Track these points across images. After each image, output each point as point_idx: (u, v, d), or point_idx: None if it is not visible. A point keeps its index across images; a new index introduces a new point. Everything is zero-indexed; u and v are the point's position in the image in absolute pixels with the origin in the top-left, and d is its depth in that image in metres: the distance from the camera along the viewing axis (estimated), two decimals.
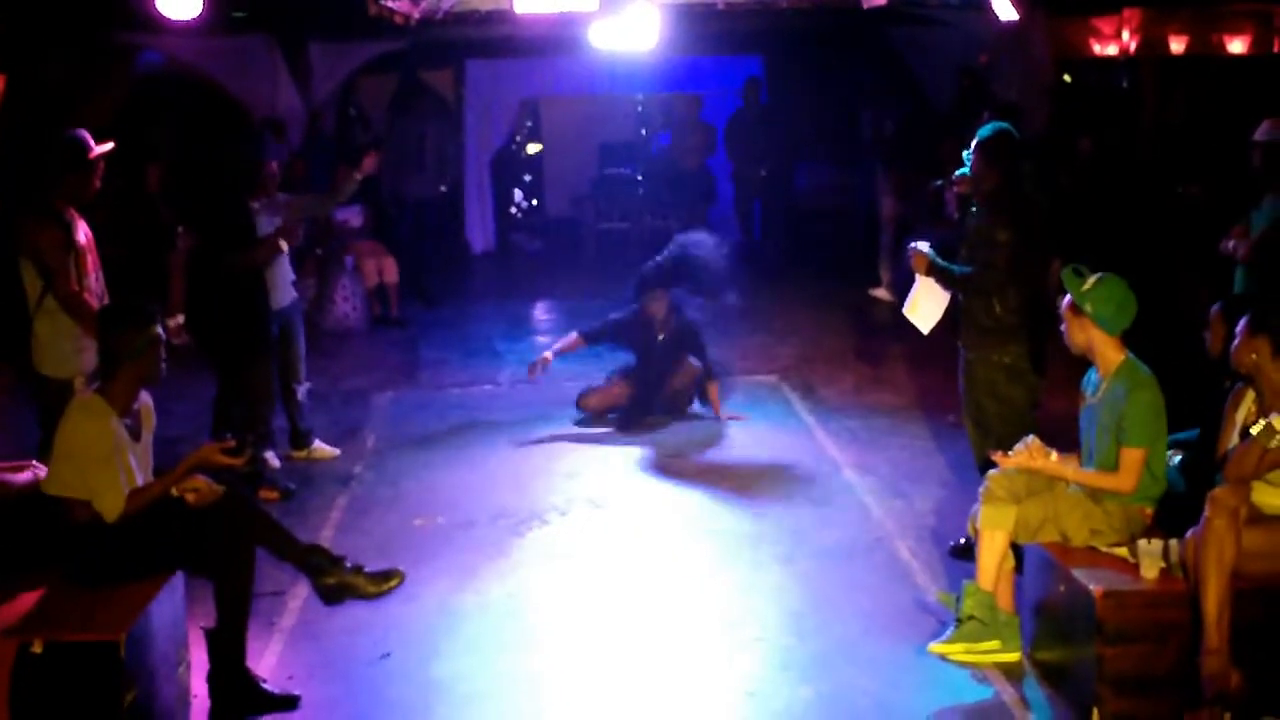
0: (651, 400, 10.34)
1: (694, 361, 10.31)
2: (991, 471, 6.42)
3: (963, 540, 7.37)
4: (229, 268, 8.57)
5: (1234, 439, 5.95)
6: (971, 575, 6.39)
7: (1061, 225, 9.83)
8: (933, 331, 7.78)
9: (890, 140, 15.40)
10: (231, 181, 8.98)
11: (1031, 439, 6.39)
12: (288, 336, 9.38)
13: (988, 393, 7.39)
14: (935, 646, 6.34)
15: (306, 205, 9.90)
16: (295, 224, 9.00)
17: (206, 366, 8.93)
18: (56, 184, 7.29)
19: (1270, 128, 8.35)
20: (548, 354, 10.55)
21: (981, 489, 6.36)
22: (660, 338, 10.37)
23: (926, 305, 7.65)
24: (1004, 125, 7.46)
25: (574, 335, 10.72)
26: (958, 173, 7.77)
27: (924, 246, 7.57)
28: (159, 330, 5.97)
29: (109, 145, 7.45)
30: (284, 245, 8.77)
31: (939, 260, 7.48)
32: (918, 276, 7.62)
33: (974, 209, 7.44)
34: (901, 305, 7.91)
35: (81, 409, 5.84)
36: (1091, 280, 6.23)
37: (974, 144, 7.39)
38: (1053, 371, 8.99)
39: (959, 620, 6.32)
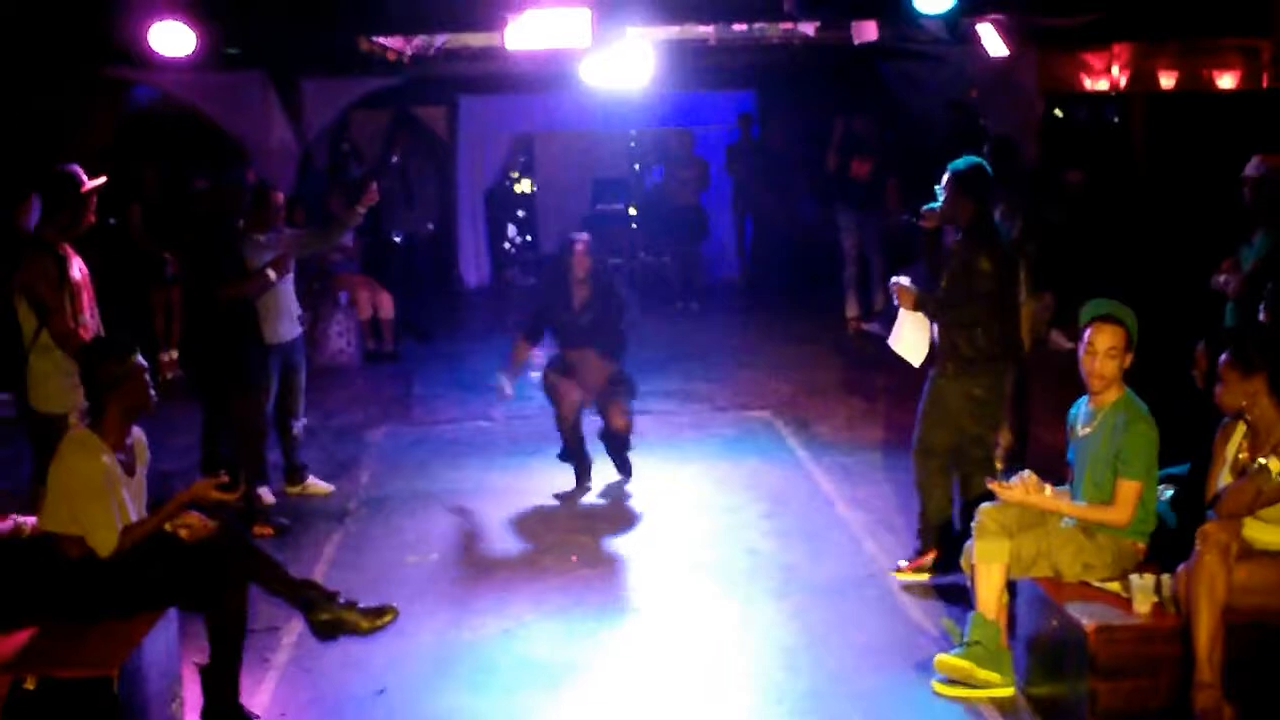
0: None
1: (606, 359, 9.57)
2: (984, 505, 6.44)
3: (903, 562, 7.72)
4: (219, 300, 8.61)
5: (1224, 473, 5.97)
6: (964, 604, 6.41)
7: (1052, 260, 9.87)
8: (924, 364, 7.81)
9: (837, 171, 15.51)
10: (218, 213, 9.02)
11: (1027, 473, 6.40)
12: (289, 371, 9.39)
13: (944, 421, 7.51)
14: (941, 658, 6.34)
15: (310, 240, 9.92)
16: (287, 257, 9.01)
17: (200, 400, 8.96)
18: (49, 219, 7.30)
19: (1260, 163, 8.38)
20: (505, 382, 9.60)
21: (974, 524, 6.38)
22: (581, 304, 9.52)
23: (913, 338, 7.70)
24: (977, 159, 7.55)
25: (519, 341, 9.78)
26: (925, 207, 7.82)
27: (906, 281, 7.63)
28: (139, 360, 5.97)
29: (101, 180, 7.46)
30: (273, 277, 8.79)
31: (923, 293, 7.55)
32: (902, 311, 7.68)
33: (949, 240, 7.52)
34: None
35: (74, 445, 5.85)
36: (1125, 310, 6.26)
37: (947, 177, 7.49)
38: (1040, 405, 9.06)
39: (963, 651, 6.31)
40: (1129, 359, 6.22)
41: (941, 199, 7.56)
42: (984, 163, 7.54)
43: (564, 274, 9.56)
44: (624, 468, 9.84)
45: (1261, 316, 7.54)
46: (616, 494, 9.53)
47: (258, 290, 8.81)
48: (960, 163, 7.52)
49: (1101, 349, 6.20)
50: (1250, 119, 12.88)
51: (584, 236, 9.71)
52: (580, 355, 9.52)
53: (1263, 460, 5.72)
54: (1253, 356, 5.87)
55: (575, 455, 9.67)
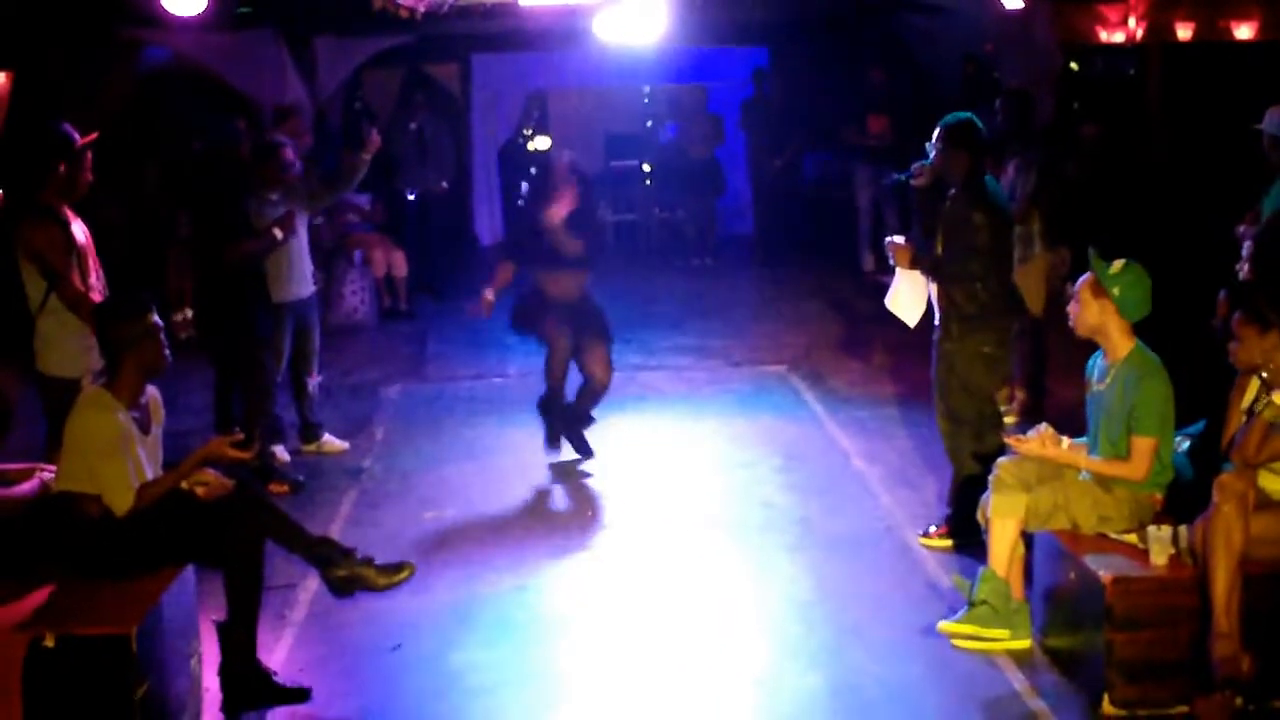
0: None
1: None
2: (1001, 459, 6.45)
3: (932, 528, 7.62)
4: (226, 259, 8.60)
5: (1239, 425, 5.97)
6: (981, 561, 6.41)
7: (1068, 213, 9.83)
8: (919, 323, 7.76)
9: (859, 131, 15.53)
10: (217, 170, 8.99)
11: (1044, 426, 6.40)
12: (303, 329, 9.38)
13: (962, 385, 7.40)
14: (945, 625, 6.36)
15: (319, 192, 9.83)
16: (293, 214, 8.96)
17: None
18: (45, 181, 7.19)
19: (1276, 116, 8.28)
20: (488, 293, 9.19)
21: (991, 477, 6.38)
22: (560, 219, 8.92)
23: (909, 298, 7.64)
24: (968, 114, 7.48)
25: (502, 262, 9.42)
26: (916, 164, 7.77)
27: (901, 239, 7.61)
28: (155, 319, 5.97)
29: (93, 135, 7.34)
30: (279, 235, 8.76)
31: (919, 251, 7.51)
32: (898, 270, 7.63)
33: (946, 197, 7.46)
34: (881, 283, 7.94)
35: (89, 404, 5.85)
36: (1119, 265, 6.22)
37: (939, 132, 7.42)
38: (1057, 359, 9.03)
39: (972, 603, 6.32)
40: (1107, 307, 6.17)
41: (933, 155, 7.52)
42: (975, 117, 7.47)
43: (546, 190, 9.10)
44: (582, 446, 9.27)
45: (1244, 274, 7.35)
46: (633, 449, 9.52)
47: (265, 249, 8.79)
48: (951, 117, 7.45)
49: (1075, 295, 6.32)
50: (1269, 69, 12.79)
51: (567, 153, 9.39)
52: (554, 276, 9.02)
53: (1267, 396, 5.74)
54: (1268, 313, 5.85)
55: (555, 409, 9.22)
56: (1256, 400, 5.87)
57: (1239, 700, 5.53)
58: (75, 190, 7.24)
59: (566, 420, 9.25)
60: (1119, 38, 13.88)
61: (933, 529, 7.65)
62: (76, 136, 7.21)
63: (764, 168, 17.67)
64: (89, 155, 7.26)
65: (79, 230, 7.23)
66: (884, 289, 7.92)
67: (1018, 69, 13.51)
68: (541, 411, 9.30)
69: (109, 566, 5.72)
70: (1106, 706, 5.71)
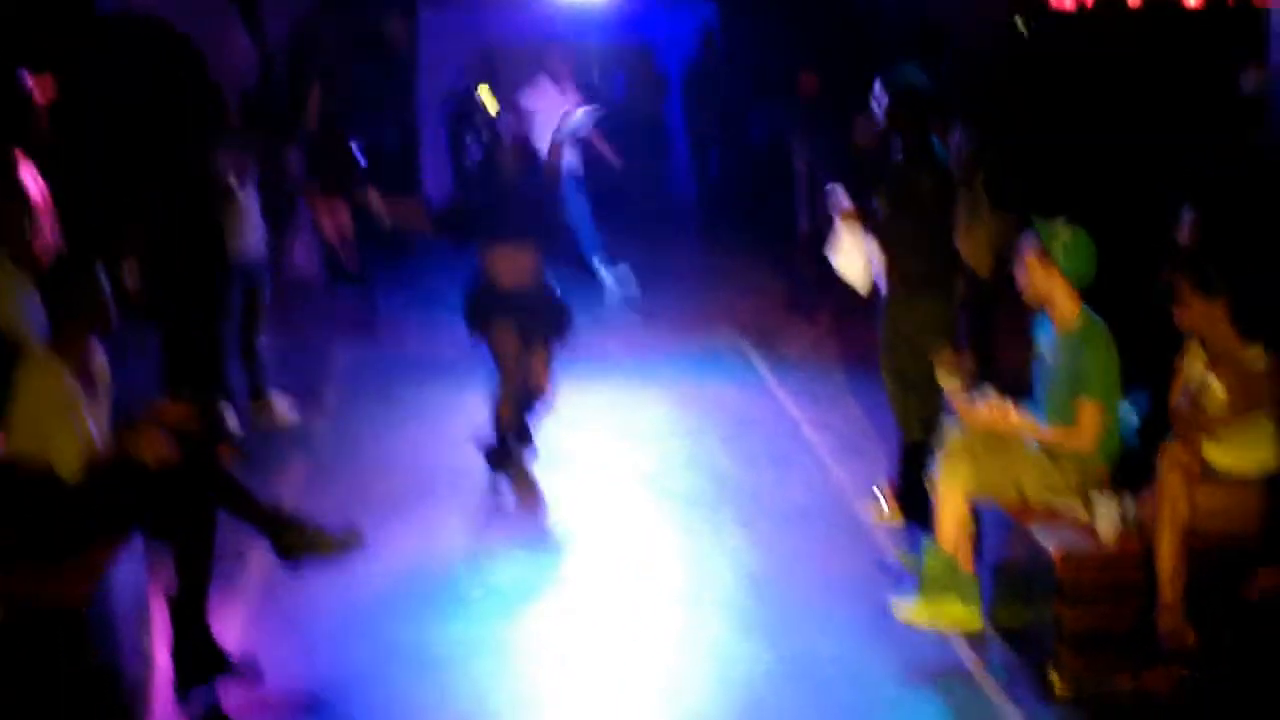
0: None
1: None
2: (949, 429, 6.45)
3: (881, 500, 7.65)
4: (188, 216, 8.52)
5: (1183, 392, 6.03)
6: (928, 532, 6.44)
7: (1014, 177, 9.86)
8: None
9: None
10: (174, 124, 8.91)
11: (990, 392, 6.41)
12: (253, 290, 9.29)
13: (909, 346, 7.38)
14: (898, 607, 6.36)
15: (270, 145, 9.70)
16: (246, 166, 8.90)
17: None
18: None
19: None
20: None
21: (939, 449, 6.38)
22: (509, 194, 8.21)
23: (855, 257, 7.55)
24: (913, 72, 7.40)
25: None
26: (862, 123, 7.69)
27: (845, 198, 7.52)
28: (101, 278, 5.89)
29: (46, 78, 7.17)
30: (235, 186, 8.69)
31: (864, 211, 7.45)
32: (842, 228, 7.53)
33: (891, 157, 7.40)
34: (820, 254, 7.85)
35: (34, 366, 5.74)
36: (1063, 229, 6.23)
37: (884, 90, 7.32)
38: (1004, 325, 9.07)
39: (920, 580, 6.35)
40: (1053, 273, 6.19)
41: (878, 114, 7.43)
42: (920, 75, 7.42)
43: (494, 168, 8.40)
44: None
45: (1184, 239, 7.30)
46: (582, 417, 9.47)
47: (227, 203, 8.74)
48: (896, 75, 7.37)
49: (1021, 262, 6.31)
50: (1217, 34, 12.84)
51: (520, 132, 8.41)
52: (503, 254, 8.06)
53: (1202, 380, 5.80)
54: (1214, 279, 5.89)
55: (510, 450, 8.18)
56: (1198, 390, 5.91)
57: (1184, 672, 5.60)
58: (27, 137, 7.09)
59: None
60: (1068, 2, 13.89)
61: (882, 501, 7.67)
62: (29, 82, 7.05)
63: (706, 128, 17.59)
64: (44, 102, 7.10)
65: (32, 183, 7.07)
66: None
67: (966, 30, 13.52)
68: (490, 463, 8.25)
69: (57, 536, 5.65)
70: (1054, 679, 5.76)
